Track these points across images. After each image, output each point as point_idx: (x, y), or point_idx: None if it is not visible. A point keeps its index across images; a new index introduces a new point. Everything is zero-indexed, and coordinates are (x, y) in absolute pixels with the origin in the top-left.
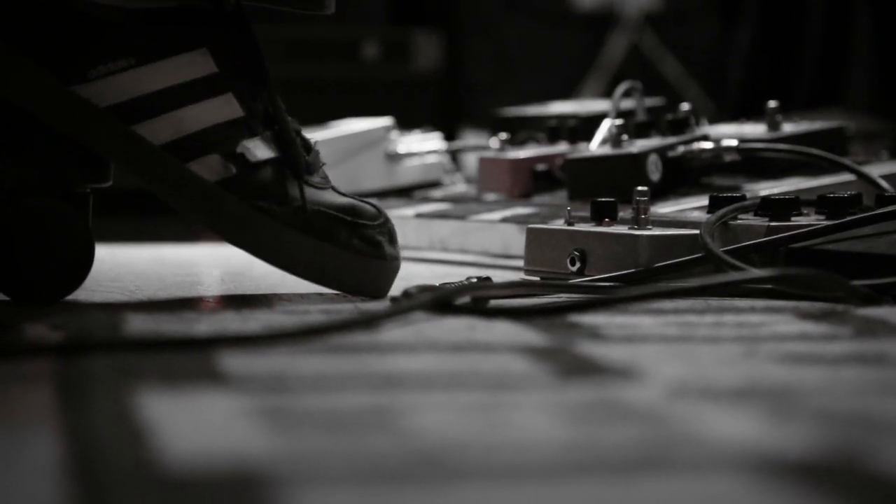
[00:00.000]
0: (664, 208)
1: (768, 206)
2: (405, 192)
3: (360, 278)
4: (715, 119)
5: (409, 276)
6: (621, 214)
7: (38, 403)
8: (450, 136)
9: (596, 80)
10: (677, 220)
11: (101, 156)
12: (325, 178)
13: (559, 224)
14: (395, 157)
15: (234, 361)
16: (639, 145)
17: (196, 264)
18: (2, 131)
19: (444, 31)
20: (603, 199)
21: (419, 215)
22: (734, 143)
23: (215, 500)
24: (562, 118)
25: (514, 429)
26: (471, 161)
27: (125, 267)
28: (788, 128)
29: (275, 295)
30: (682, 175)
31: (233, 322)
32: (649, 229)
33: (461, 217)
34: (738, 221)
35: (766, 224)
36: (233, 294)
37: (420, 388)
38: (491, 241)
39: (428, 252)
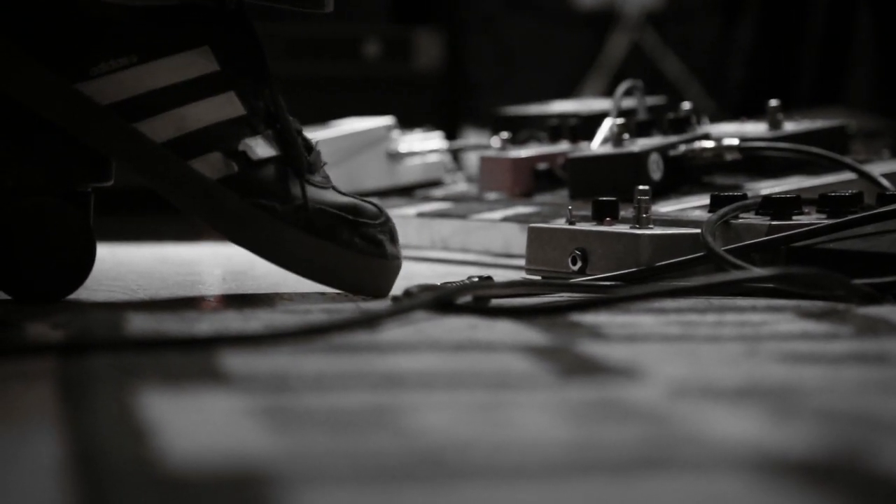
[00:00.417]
0: (665, 207)
1: (770, 205)
2: (406, 192)
3: (362, 277)
4: (716, 118)
5: (411, 275)
6: (623, 213)
7: (40, 402)
8: (451, 135)
9: (597, 78)
10: (679, 219)
11: (102, 155)
12: (327, 177)
13: (560, 223)
14: (396, 156)
15: (235, 361)
16: (640, 144)
17: (198, 263)
18: (3, 130)
19: (446, 29)
20: (604, 199)
21: (420, 214)
22: (735, 141)
23: (217, 500)
24: (563, 117)
25: (516, 428)
26: (472, 160)
27: (127, 266)
28: (790, 127)
29: (276, 294)
30: (684, 174)
31: (234, 321)
32: (651, 228)
33: (462, 216)
34: (740, 220)
35: (768, 223)
36: (234, 293)
37: (421, 388)
38: (492, 241)
39: (429, 251)
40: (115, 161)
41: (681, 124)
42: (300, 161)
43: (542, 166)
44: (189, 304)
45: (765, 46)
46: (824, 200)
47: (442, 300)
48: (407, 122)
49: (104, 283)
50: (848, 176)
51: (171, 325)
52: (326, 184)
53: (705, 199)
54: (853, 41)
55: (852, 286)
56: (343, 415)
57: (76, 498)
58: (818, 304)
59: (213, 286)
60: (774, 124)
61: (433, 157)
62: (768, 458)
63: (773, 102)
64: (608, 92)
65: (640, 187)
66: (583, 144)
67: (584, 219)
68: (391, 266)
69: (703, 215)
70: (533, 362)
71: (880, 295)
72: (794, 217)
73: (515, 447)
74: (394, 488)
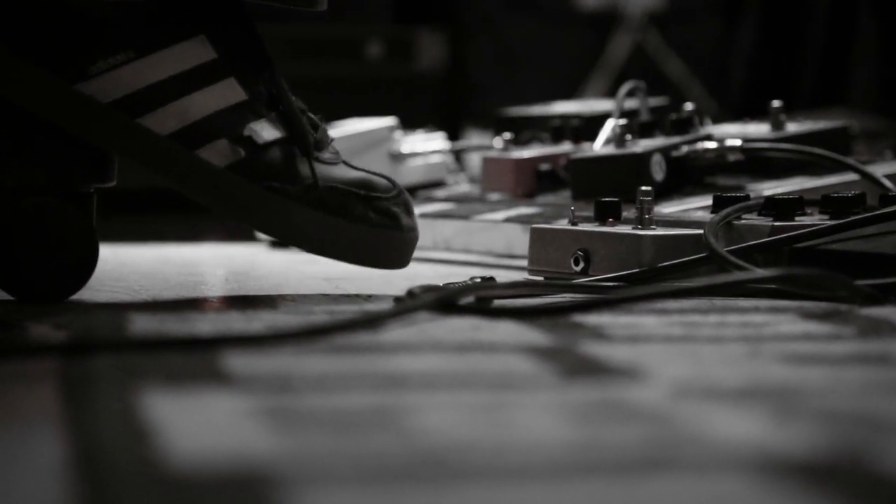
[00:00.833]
0: (668, 208)
1: (772, 206)
2: (409, 192)
3: (379, 251)
4: (718, 119)
5: (413, 275)
6: (625, 214)
7: (42, 403)
8: (453, 136)
9: (599, 79)
10: (681, 219)
11: (104, 155)
12: (336, 153)
13: (563, 224)
14: (398, 157)
15: (238, 361)
16: (642, 145)
17: (200, 264)
18: (4, 131)
19: (448, 30)
20: (607, 199)
21: (423, 215)
22: (738, 142)
23: (219, 500)
24: (565, 118)
25: (518, 429)
26: (474, 161)
27: (129, 267)
28: (792, 127)
29: (279, 295)
30: (686, 175)
31: (237, 322)
32: (653, 229)
33: (465, 217)
34: (742, 221)
35: (770, 224)
36: (237, 294)
37: (424, 388)
38: (495, 241)
39: (432, 252)
40: (122, 158)
41: (683, 125)
42: (306, 140)
43: (545, 167)
44: (191, 304)
45: (767, 47)
46: (827, 201)
47: (444, 301)
48: (409, 123)
49: (107, 283)
50: (850, 177)
51: (174, 325)
52: (336, 160)
53: (708, 200)
54: (855, 42)
55: (855, 287)
56: (345, 415)
57: (78, 498)
58: (821, 306)
59: (215, 287)
60: (777, 125)
61: (435, 158)
62: (771, 459)
63: (776, 103)
64: (611, 93)
65: (643, 188)
66: (585, 145)
67: (587, 219)
68: (407, 238)
69: (705, 216)
70: (535, 363)
71: (883, 296)
72: (797, 218)
73: (518, 448)
74: (396, 489)
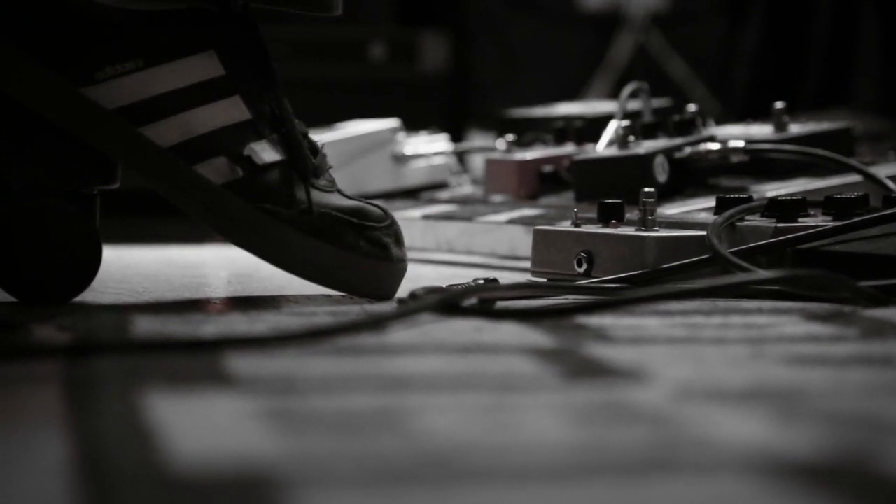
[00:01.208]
0: (671, 209)
1: (775, 207)
2: (412, 194)
3: (367, 280)
4: (721, 120)
5: (416, 277)
6: (628, 216)
7: (46, 404)
8: (456, 138)
9: (602, 80)
10: (684, 221)
11: (108, 157)
12: (332, 180)
13: (566, 225)
14: (401, 159)
15: (241, 363)
16: (645, 146)
17: (203, 266)
18: (8, 132)
19: (451, 31)
20: (610, 201)
21: (426, 217)
22: (741, 143)
23: (222, 502)
24: (568, 119)
25: (521, 430)
26: (477, 162)
27: (132, 268)
28: (795, 128)
29: (282, 297)
30: (689, 176)
31: (240, 324)
32: (656, 230)
33: (468, 218)
34: (745, 222)
35: (773, 225)
36: (240, 296)
37: (427, 390)
38: (498, 243)
39: (434, 253)
40: (121, 165)
41: (686, 126)
42: (305, 165)
43: (548, 168)
44: (195, 306)
45: (770, 48)
46: (830, 202)
47: (447, 302)
48: (412, 125)
49: (110, 285)
50: (854, 178)
51: (177, 327)
52: (331, 187)
53: (711, 201)
54: (859, 43)
55: (858, 288)
56: (349, 417)
57: (82, 500)
58: (824, 307)
59: (218, 289)
60: (780, 126)
61: (438, 160)
62: (774, 461)
63: (779, 104)
64: (613, 94)
65: (646, 189)
66: (588, 146)
67: (590, 221)
68: (396, 269)
69: (708, 217)
70: (538, 364)
71: (886, 297)
72: (800, 219)
73: (521, 449)
74: (399, 490)
